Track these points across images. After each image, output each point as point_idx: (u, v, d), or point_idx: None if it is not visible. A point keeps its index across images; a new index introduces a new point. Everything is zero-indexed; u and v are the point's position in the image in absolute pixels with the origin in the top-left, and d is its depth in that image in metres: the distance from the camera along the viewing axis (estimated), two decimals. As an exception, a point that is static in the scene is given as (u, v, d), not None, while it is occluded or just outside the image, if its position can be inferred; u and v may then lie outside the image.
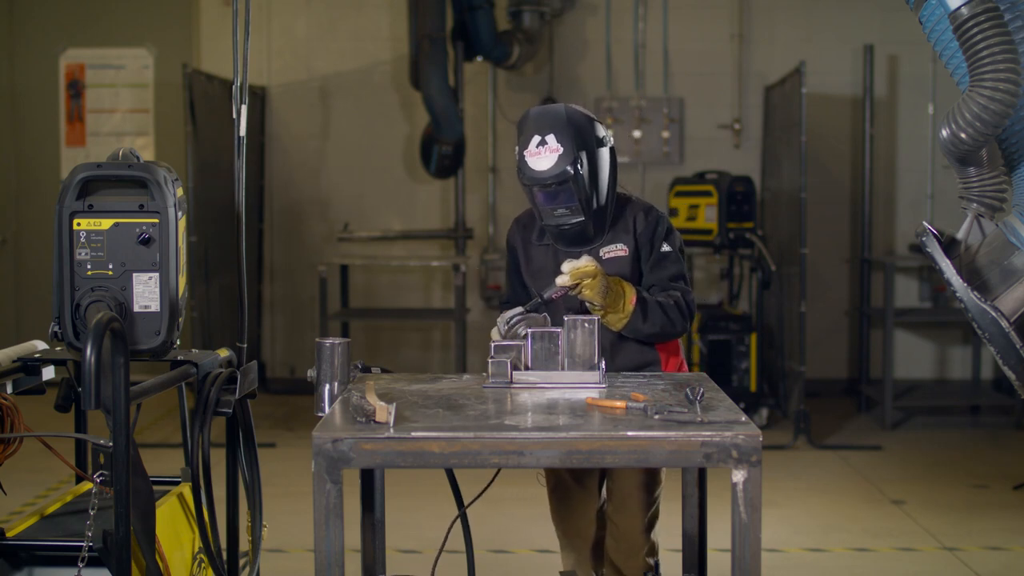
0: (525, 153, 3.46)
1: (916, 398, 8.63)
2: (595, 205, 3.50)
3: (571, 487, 3.68)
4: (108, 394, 2.64)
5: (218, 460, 3.31)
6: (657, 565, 3.56)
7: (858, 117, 8.98)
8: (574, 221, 3.50)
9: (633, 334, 3.49)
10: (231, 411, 3.28)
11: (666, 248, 3.59)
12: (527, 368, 3.20)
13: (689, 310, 3.52)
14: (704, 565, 3.29)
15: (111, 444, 2.69)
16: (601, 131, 3.53)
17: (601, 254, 3.54)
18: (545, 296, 3.42)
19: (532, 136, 3.45)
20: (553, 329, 3.21)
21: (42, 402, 3.30)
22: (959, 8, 2.63)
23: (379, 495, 3.39)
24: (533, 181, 3.45)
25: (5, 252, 9.60)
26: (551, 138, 3.43)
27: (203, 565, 3.25)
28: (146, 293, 3.13)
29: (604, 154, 3.52)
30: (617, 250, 3.56)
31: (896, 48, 9.06)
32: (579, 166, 3.43)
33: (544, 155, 3.43)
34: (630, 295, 3.44)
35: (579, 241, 3.56)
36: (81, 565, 2.72)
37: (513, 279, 3.78)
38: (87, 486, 3.28)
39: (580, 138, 3.46)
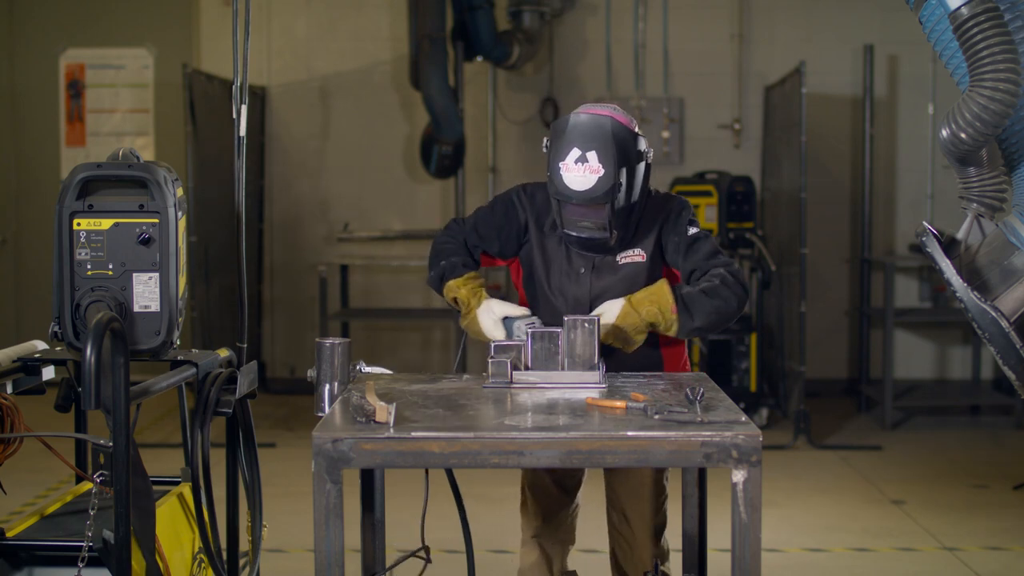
0: (561, 165, 3.26)
1: (916, 398, 8.63)
2: (622, 219, 3.35)
3: (550, 489, 3.62)
4: (108, 394, 2.64)
5: (218, 460, 3.31)
6: (657, 567, 3.54)
7: (858, 117, 8.98)
8: (598, 236, 3.36)
9: (692, 334, 3.36)
10: (231, 411, 3.28)
11: (693, 230, 3.43)
12: (527, 368, 3.19)
13: (737, 280, 3.33)
14: (704, 565, 3.29)
15: (111, 444, 2.69)
16: (642, 144, 3.35)
17: (618, 258, 3.44)
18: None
19: (571, 149, 3.25)
20: (553, 329, 3.20)
21: (42, 402, 3.30)
22: (959, 8, 2.63)
23: (379, 495, 3.39)
24: (565, 198, 3.29)
25: (5, 252, 9.60)
26: (592, 156, 3.23)
27: (203, 565, 3.25)
28: (146, 293, 3.13)
29: (641, 169, 3.35)
30: (634, 255, 3.44)
31: (896, 48, 9.06)
32: (618, 190, 3.26)
33: (583, 174, 3.23)
34: (667, 301, 3.29)
35: (598, 250, 3.43)
36: (81, 565, 2.72)
37: (485, 232, 3.54)
38: (87, 486, 3.28)
39: (623, 158, 3.26)
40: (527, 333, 3.24)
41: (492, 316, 3.41)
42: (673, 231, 3.45)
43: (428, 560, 3.40)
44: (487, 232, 3.57)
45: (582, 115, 3.31)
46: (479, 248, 3.59)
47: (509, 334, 3.37)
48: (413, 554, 3.39)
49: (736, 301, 3.34)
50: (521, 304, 3.54)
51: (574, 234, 3.38)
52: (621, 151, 3.27)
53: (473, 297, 3.46)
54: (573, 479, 3.63)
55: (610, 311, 3.32)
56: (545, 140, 3.36)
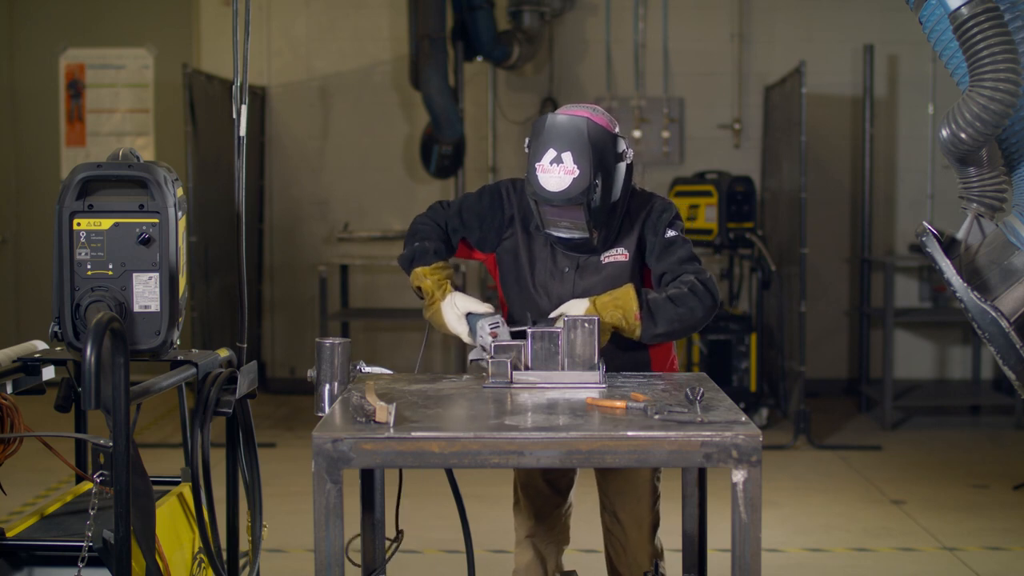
0: (537, 166, 3.25)
1: (916, 398, 8.63)
2: (602, 220, 3.35)
3: (542, 489, 3.62)
4: (108, 394, 2.63)
5: (218, 460, 3.31)
6: (657, 567, 3.55)
7: (858, 117, 8.98)
8: (577, 237, 3.36)
9: (655, 340, 3.34)
10: (231, 411, 3.28)
11: (671, 233, 3.43)
12: (527, 368, 3.19)
13: (706, 289, 3.32)
14: (704, 565, 3.29)
15: (111, 444, 2.69)
16: (621, 145, 3.33)
17: (602, 258, 3.44)
18: (537, 325, 3.24)
19: (547, 149, 3.25)
20: (553, 329, 3.20)
21: (42, 402, 3.30)
22: (959, 8, 2.63)
23: (379, 495, 3.39)
24: (541, 199, 3.29)
25: (5, 252, 9.60)
26: (567, 157, 3.23)
27: (203, 565, 3.25)
28: (146, 293, 3.13)
29: (620, 170, 3.35)
30: (617, 255, 3.44)
31: (896, 48, 9.06)
32: (593, 191, 3.25)
33: (557, 174, 3.23)
34: (631, 307, 3.29)
35: (581, 250, 3.43)
36: (81, 565, 2.72)
37: (468, 218, 3.52)
38: (87, 486, 3.28)
39: (598, 159, 3.25)
40: (493, 332, 3.28)
41: (456, 311, 3.40)
42: (652, 231, 3.45)
43: (398, 541, 3.42)
44: (470, 219, 3.54)
45: (559, 116, 3.31)
46: (459, 233, 3.57)
47: (472, 330, 3.37)
48: (394, 541, 3.41)
49: (703, 310, 3.33)
50: (500, 302, 3.55)
51: (555, 234, 3.38)
52: (597, 152, 3.26)
53: (438, 289, 3.45)
54: (565, 479, 3.64)
55: (573, 311, 3.30)
56: (526, 140, 3.36)
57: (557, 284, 3.46)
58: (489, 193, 3.56)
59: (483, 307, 3.40)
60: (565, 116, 3.30)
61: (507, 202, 3.53)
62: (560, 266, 3.46)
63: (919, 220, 7.02)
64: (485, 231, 3.54)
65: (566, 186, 3.24)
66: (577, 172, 3.24)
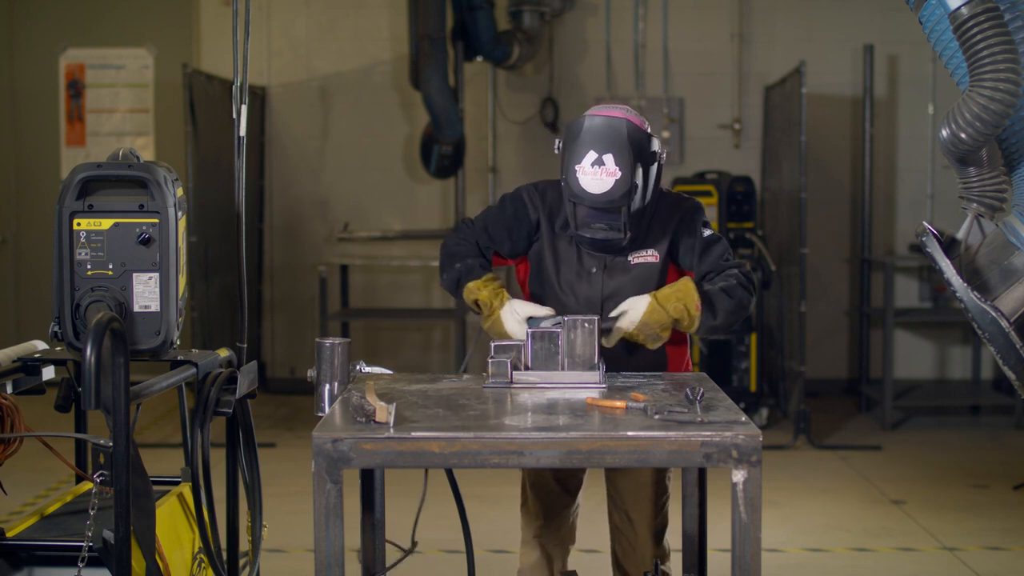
0: (577, 168, 3.27)
1: (916, 398, 8.63)
2: (635, 220, 3.37)
3: (552, 489, 3.62)
4: (108, 394, 2.63)
5: (218, 460, 3.31)
6: (657, 566, 3.54)
7: (858, 117, 8.98)
8: (612, 237, 3.37)
9: (710, 332, 3.43)
10: (231, 411, 3.28)
11: (708, 232, 3.49)
12: (527, 368, 3.19)
13: (749, 280, 3.43)
14: (704, 565, 3.29)
15: (111, 444, 2.68)
16: (655, 145, 3.35)
17: (630, 258, 3.46)
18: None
19: (587, 152, 3.26)
20: (553, 329, 3.20)
21: (42, 402, 3.30)
22: (959, 8, 2.63)
23: (379, 495, 3.39)
24: (582, 201, 3.30)
25: (5, 252, 9.60)
26: (609, 159, 3.25)
27: (203, 565, 3.25)
28: (146, 293, 3.13)
29: (654, 170, 3.37)
30: (647, 256, 3.46)
31: (896, 48, 9.06)
32: (634, 192, 3.28)
33: (600, 177, 3.24)
34: (693, 299, 3.34)
35: (608, 250, 3.44)
36: (81, 565, 2.72)
37: (496, 232, 3.55)
38: (87, 486, 3.28)
39: (639, 160, 3.28)
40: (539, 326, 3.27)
41: (516, 317, 3.40)
42: (688, 233, 3.48)
43: (407, 551, 3.39)
44: (497, 233, 3.56)
45: (596, 118, 3.31)
46: (491, 249, 3.59)
47: None
48: (407, 554, 3.38)
49: (749, 302, 3.43)
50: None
51: (588, 235, 3.38)
52: (637, 153, 3.28)
53: (495, 298, 3.45)
54: (575, 479, 3.64)
55: (637, 308, 3.34)
56: (557, 142, 3.37)
57: (584, 285, 3.47)
58: (511, 202, 3.57)
59: (543, 310, 3.40)
60: (602, 117, 3.31)
61: (531, 207, 3.54)
62: (587, 266, 3.47)
63: (919, 220, 7.02)
64: (515, 241, 3.56)
65: (608, 188, 3.26)
66: (619, 174, 3.25)
